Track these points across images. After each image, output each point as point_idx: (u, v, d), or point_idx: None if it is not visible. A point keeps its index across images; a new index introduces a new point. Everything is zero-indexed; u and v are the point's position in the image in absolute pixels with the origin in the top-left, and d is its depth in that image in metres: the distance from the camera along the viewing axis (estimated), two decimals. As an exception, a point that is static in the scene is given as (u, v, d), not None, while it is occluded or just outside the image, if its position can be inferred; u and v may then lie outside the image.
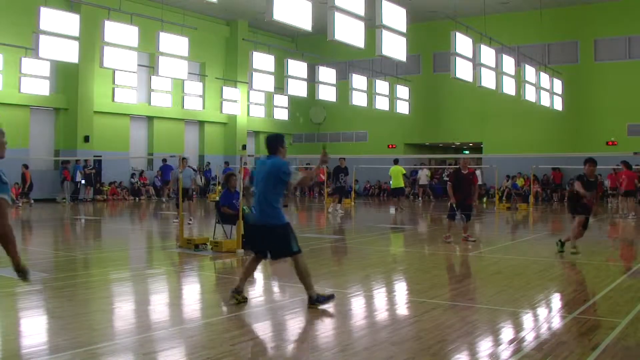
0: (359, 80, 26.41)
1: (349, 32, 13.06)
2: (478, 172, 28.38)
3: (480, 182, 23.75)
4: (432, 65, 32.25)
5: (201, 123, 31.65)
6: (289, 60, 22.75)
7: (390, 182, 22.74)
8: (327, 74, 24.56)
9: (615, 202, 24.38)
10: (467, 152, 36.19)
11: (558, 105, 26.83)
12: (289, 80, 22.60)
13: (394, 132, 32.49)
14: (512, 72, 22.25)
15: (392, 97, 28.25)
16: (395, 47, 14.68)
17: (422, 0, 26.66)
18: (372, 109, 27.60)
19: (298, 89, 23.13)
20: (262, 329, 5.89)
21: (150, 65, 23.98)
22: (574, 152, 26.54)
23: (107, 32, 17.58)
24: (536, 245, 12.86)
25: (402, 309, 6.96)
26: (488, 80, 19.83)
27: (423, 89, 31.56)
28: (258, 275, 9.27)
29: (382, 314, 6.67)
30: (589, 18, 28.32)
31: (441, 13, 27.02)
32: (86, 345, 5.12)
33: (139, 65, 20.24)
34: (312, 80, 25.02)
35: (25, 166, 23.39)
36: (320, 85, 24.27)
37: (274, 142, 6.51)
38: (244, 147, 32.48)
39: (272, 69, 23.38)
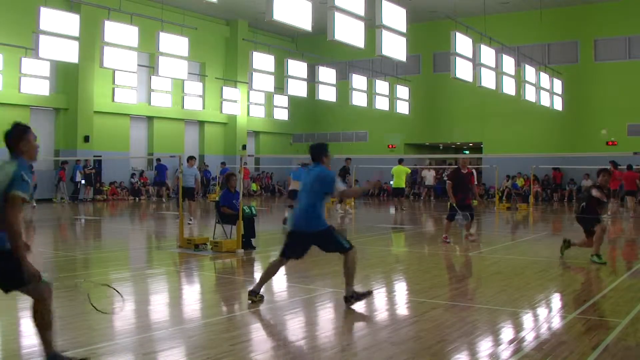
0: (359, 80, 26.40)
1: (349, 32, 13.05)
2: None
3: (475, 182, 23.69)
4: (432, 65, 32.25)
5: (201, 123, 31.65)
6: (289, 60, 22.75)
7: (392, 181, 22.73)
8: (327, 74, 24.56)
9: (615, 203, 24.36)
10: (467, 152, 36.20)
11: (558, 105, 26.83)
12: (289, 80, 22.60)
13: (394, 132, 32.50)
14: (512, 72, 22.24)
15: (392, 97, 28.25)
16: (395, 47, 14.68)
17: (422, 0, 26.66)
18: (372, 109, 27.60)
19: (298, 89, 23.13)
20: (262, 329, 5.89)
21: (150, 65, 23.98)
22: (574, 152, 26.57)
23: (107, 32, 17.58)
24: (536, 245, 12.86)
25: (402, 309, 6.96)
26: (488, 80, 19.83)
27: (423, 89, 31.56)
28: (258, 275, 9.27)
29: (382, 314, 6.67)
30: (589, 18, 28.32)
31: (441, 13, 27.01)
32: (86, 345, 5.12)
33: (139, 65, 20.24)
34: (312, 80, 25.02)
35: (30, 167, 23.36)
36: (320, 85, 24.27)
37: (318, 151, 6.66)
38: (244, 147, 32.48)
39: (272, 69, 23.38)
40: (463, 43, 18.20)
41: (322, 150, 6.67)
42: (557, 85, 26.69)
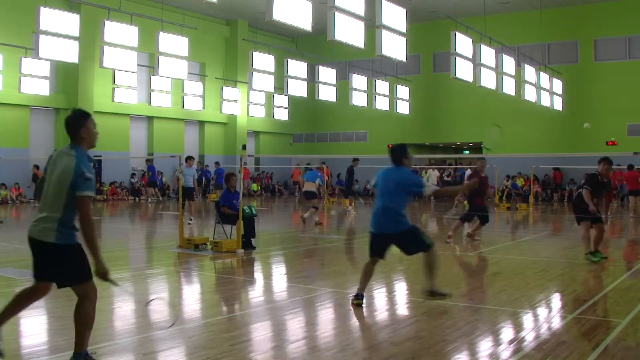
0: (359, 80, 26.40)
1: (349, 32, 13.05)
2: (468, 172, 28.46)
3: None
4: (432, 65, 32.25)
5: (201, 123, 31.65)
6: (289, 60, 22.74)
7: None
8: (327, 74, 24.56)
9: (617, 201, 24.45)
10: (467, 152, 36.19)
11: (558, 105, 26.83)
12: (289, 80, 22.59)
13: (394, 132, 32.48)
14: (512, 72, 22.24)
15: (392, 97, 28.25)
16: (395, 47, 14.68)
17: (422, 0, 26.67)
18: (372, 109, 27.60)
19: (298, 89, 23.13)
20: (262, 329, 5.89)
21: (150, 65, 23.98)
22: (574, 152, 26.56)
23: (107, 32, 17.58)
24: (536, 245, 12.86)
25: (402, 309, 6.96)
26: (488, 80, 19.83)
27: (423, 89, 31.56)
28: (258, 275, 9.28)
29: (382, 314, 6.67)
30: (589, 18, 28.32)
31: (441, 13, 27.02)
32: (86, 345, 5.11)
33: (139, 65, 20.24)
34: (312, 80, 25.02)
35: (37, 167, 23.39)
36: (320, 85, 24.26)
37: (398, 152, 6.60)
38: (244, 147, 32.47)
39: (272, 69, 23.37)
40: (463, 43, 18.20)
41: (403, 152, 6.60)
42: (557, 85, 26.69)
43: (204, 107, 30.57)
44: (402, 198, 6.52)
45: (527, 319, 6.31)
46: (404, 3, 14.85)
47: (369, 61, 29.62)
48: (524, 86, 23.21)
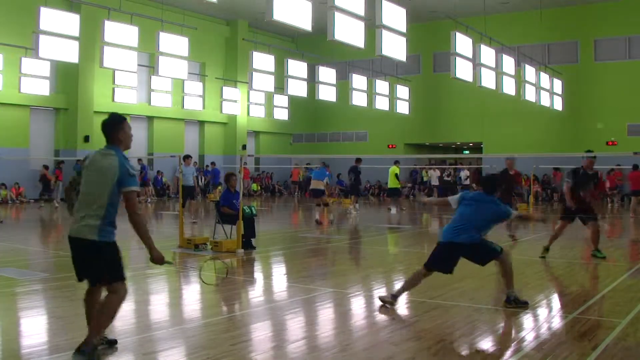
0: (359, 80, 26.40)
1: (349, 32, 13.05)
2: (465, 173, 28.42)
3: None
4: (432, 65, 32.25)
5: (201, 123, 31.65)
6: (289, 60, 22.74)
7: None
8: (327, 74, 24.55)
9: (617, 201, 24.42)
10: (467, 152, 36.19)
11: (558, 105, 26.83)
12: (289, 80, 22.60)
13: (394, 132, 32.50)
14: (512, 72, 22.24)
15: (392, 97, 28.24)
16: (395, 47, 14.68)
17: (422, 0, 26.66)
18: (372, 109, 27.60)
19: (298, 89, 23.13)
20: (262, 329, 5.89)
21: (150, 65, 23.97)
22: (574, 152, 26.55)
23: (107, 32, 17.57)
24: (536, 245, 12.83)
25: (402, 309, 6.96)
26: (488, 80, 19.83)
27: (423, 89, 31.56)
28: (258, 275, 9.28)
29: (382, 314, 6.67)
30: (589, 18, 28.32)
31: (441, 13, 27.03)
32: (86, 345, 5.11)
33: (139, 65, 20.23)
34: (312, 80, 25.01)
35: (46, 167, 23.38)
36: (320, 85, 24.26)
37: (494, 183, 6.86)
38: (244, 147, 32.48)
39: (272, 69, 23.37)
40: (463, 43, 18.20)
41: (498, 184, 6.88)
42: (557, 85, 26.69)
43: (204, 107, 30.57)
44: (489, 223, 6.76)
45: (527, 319, 6.31)
46: (404, 3, 14.85)
47: (369, 61, 29.62)
48: (524, 86, 23.21)
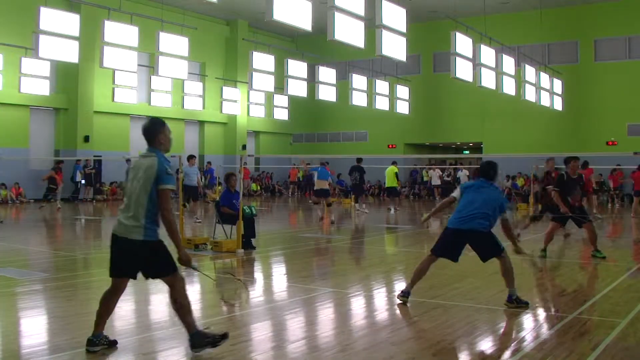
0: (359, 80, 26.40)
1: (349, 32, 13.05)
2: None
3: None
4: (432, 65, 32.25)
5: (201, 123, 31.65)
6: (289, 60, 22.73)
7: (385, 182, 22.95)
8: (327, 74, 24.55)
9: (617, 202, 24.40)
10: (467, 152, 36.20)
11: (558, 105, 26.83)
12: (289, 80, 22.58)
13: (394, 132, 32.50)
14: (512, 72, 22.25)
15: (392, 97, 28.25)
16: (395, 47, 14.68)
17: (422, 0, 26.66)
18: (372, 109, 27.60)
19: (298, 89, 23.12)
20: (262, 329, 5.89)
21: (150, 65, 23.96)
22: (574, 152, 26.50)
23: (107, 32, 17.57)
24: (536, 245, 12.83)
25: (402, 309, 6.96)
26: (488, 80, 19.83)
27: (423, 89, 31.56)
28: (258, 275, 9.28)
29: (382, 314, 6.67)
30: (589, 18, 28.32)
31: (441, 13, 27.02)
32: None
33: (139, 65, 20.22)
34: (312, 80, 25.01)
35: (55, 169, 23.33)
36: (320, 85, 24.26)
37: (495, 170, 6.95)
38: (244, 147, 32.48)
39: (272, 69, 23.37)
40: (463, 43, 18.19)
41: (495, 172, 6.94)
42: (557, 85, 26.69)
43: (204, 107, 30.57)
44: (494, 211, 6.71)
45: (527, 319, 6.31)
46: (404, 3, 14.85)
47: (369, 61, 29.62)
48: (524, 86, 23.21)
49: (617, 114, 27.45)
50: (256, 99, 31.99)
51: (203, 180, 27.49)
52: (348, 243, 13.45)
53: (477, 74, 19.21)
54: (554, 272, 9.36)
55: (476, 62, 19.00)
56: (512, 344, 5.36)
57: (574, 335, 5.62)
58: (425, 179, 31.03)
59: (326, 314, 6.64)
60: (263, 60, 22.96)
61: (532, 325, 6.16)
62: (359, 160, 21.19)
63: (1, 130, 23.64)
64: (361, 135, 34.39)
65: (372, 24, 14.06)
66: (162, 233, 4.86)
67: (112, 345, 5.00)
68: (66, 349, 4.97)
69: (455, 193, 6.98)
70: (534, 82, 23.93)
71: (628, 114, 27.29)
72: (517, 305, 6.58)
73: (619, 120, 27.46)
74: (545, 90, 25.03)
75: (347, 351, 5.08)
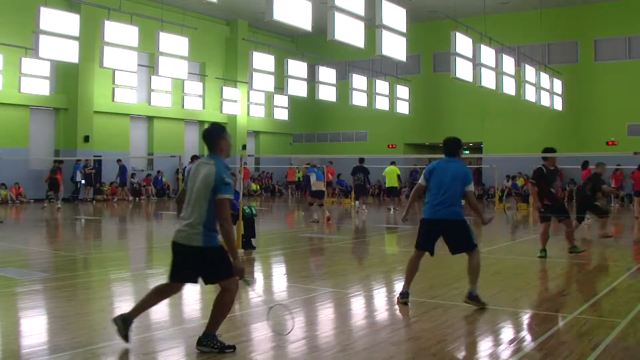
0: (359, 80, 26.41)
1: (349, 32, 13.05)
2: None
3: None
4: (432, 65, 32.26)
5: (201, 123, 31.63)
6: (289, 60, 22.74)
7: (384, 182, 22.98)
8: (327, 74, 24.55)
9: (617, 202, 24.38)
10: (467, 152, 36.19)
11: (558, 105, 26.83)
12: (289, 80, 22.59)
13: (394, 132, 32.50)
14: (512, 72, 22.25)
15: (392, 97, 28.25)
16: (395, 47, 14.68)
17: (422, 0, 26.66)
18: (372, 109, 27.60)
19: (298, 89, 23.13)
20: (262, 329, 5.89)
21: (150, 65, 23.97)
22: (574, 152, 26.55)
23: (107, 32, 17.57)
24: (536, 245, 12.82)
25: (402, 309, 6.96)
26: (488, 80, 19.83)
27: (423, 89, 31.56)
28: (258, 275, 9.27)
29: (382, 314, 6.67)
30: (589, 18, 28.32)
31: (441, 13, 27.02)
32: (86, 345, 5.12)
33: (139, 65, 20.22)
34: (312, 80, 25.01)
35: (56, 170, 23.34)
36: (320, 85, 24.26)
37: (456, 146, 6.88)
38: (244, 147, 32.48)
39: (272, 69, 23.37)
40: (463, 43, 18.20)
41: (459, 145, 6.88)
42: (557, 85, 26.69)
43: (204, 107, 30.57)
44: (460, 190, 6.61)
45: (527, 319, 6.31)
46: (404, 3, 14.85)
47: (369, 61, 29.62)
48: (524, 86, 23.21)
49: (617, 114, 27.46)
50: (256, 99, 31.99)
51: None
52: (348, 243, 13.45)
53: (477, 74, 19.22)
54: (553, 272, 9.36)
55: (476, 62, 19.01)
56: (512, 344, 5.36)
57: (574, 335, 5.62)
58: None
59: (326, 314, 6.64)
60: (263, 60, 22.96)
61: (532, 325, 6.15)
62: (362, 160, 21.17)
63: (1, 130, 23.64)
64: (361, 135, 34.39)
65: (372, 24, 14.06)
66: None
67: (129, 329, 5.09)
68: (66, 349, 4.96)
69: (421, 180, 6.86)
70: (534, 82, 23.94)
71: (628, 114, 27.29)
72: (476, 303, 6.54)
73: (619, 120, 27.46)
74: (545, 90, 25.03)
75: (347, 351, 5.08)
